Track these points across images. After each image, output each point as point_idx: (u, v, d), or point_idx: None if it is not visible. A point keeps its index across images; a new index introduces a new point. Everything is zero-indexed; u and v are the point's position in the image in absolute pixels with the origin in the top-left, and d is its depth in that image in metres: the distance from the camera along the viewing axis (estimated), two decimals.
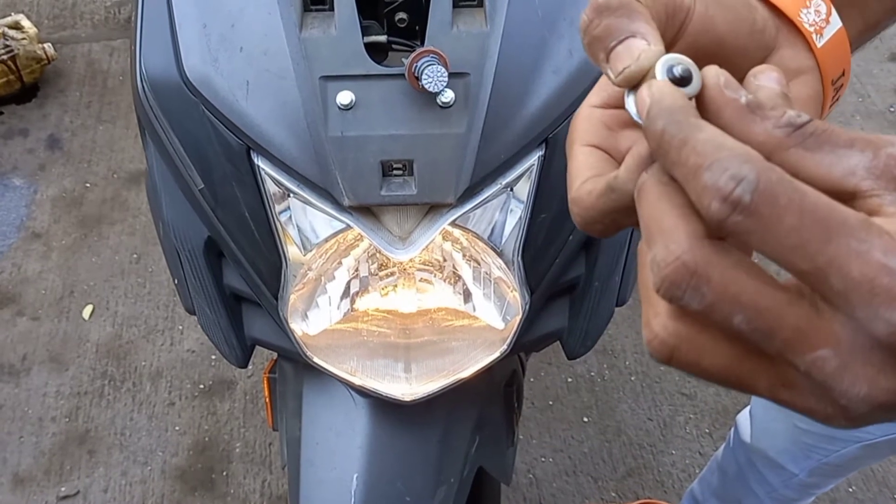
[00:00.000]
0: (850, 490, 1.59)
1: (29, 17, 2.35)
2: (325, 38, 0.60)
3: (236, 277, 0.71)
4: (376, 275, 0.68)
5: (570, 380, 1.76)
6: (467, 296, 0.69)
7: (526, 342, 0.74)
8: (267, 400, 0.93)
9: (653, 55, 0.28)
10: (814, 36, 0.36)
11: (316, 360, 0.71)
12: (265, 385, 0.93)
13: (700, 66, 0.28)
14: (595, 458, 1.65)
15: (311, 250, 0.65)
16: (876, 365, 0.24)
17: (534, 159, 0.63)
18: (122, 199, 2.10)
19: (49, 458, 1.64)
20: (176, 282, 0.76)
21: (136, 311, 1.87)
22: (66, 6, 2.65)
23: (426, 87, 0.56)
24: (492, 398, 0.86)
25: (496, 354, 0.71)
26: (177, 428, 1.69)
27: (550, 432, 1.68)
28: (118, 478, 1.62)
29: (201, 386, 1.75)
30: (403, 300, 0.70)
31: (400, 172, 0.61)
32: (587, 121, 0.35)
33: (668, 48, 0.30)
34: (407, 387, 0.72)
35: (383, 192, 0.60)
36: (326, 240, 0.64)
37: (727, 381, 0.27)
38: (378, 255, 0.67)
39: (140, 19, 0.66)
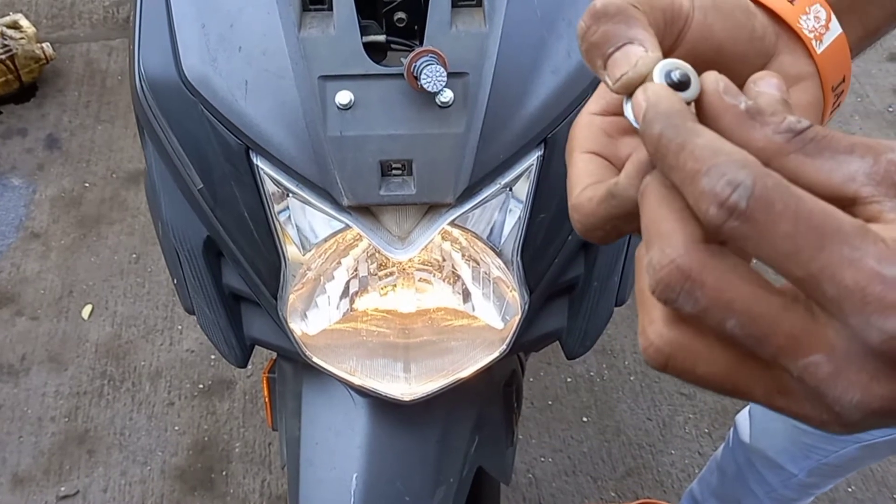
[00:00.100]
0: (850, 490, 1.59)
1: (27, 17, 2.35)
2: (324, 38, 0.60)
3: (235, 277, 0.71)
4: (375, 275, 0.68)
5: (569, 380, 1.76)
6: (466, 296, 0.69)
7: (525, 342, 0.74)
8: (266, 400, 0.93)
9: (650, 61, 0.28)
10: (813, 42, 0.36)
11: (315, 359, 0.71)
12: (264, 385, 0.93)
13: (699, 74, 0.28)
14: (594, 457, 1.65)
15: (310, 250, 0.65)
16: (869, 372, 0.24)
17: (533, 159, 0.63)
18: (121, 198, 2.10)
19: (48, 457, 1.64)
20: (175, 281, 0.76)
21: (136, 311, 1.87)
22: (64, 6, 2.65)
23: (425, 86, 0.56)
24: (491, 398, 0.86)
25: (495, 354, 0.71)
26: (176, 428, 1.68)
27: (550, 432, 1.68)
28: (118, 477, 1.62)
29: (201, 386, 1.75)
30: (403, 300, 0.69)
31: (399, 172, 0.61)
32: (587, 128, 0.35)
33: (667, 56, 0.30)
34: (406, 386, 0.72)
35: (382, 192, 0.60)
36: (325, 239, 0.64)
37: (723, 387, 0.27)
38: (377, 254, 0.67)
39: (139, 19, 0.66)
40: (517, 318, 0.69)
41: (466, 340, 0.72)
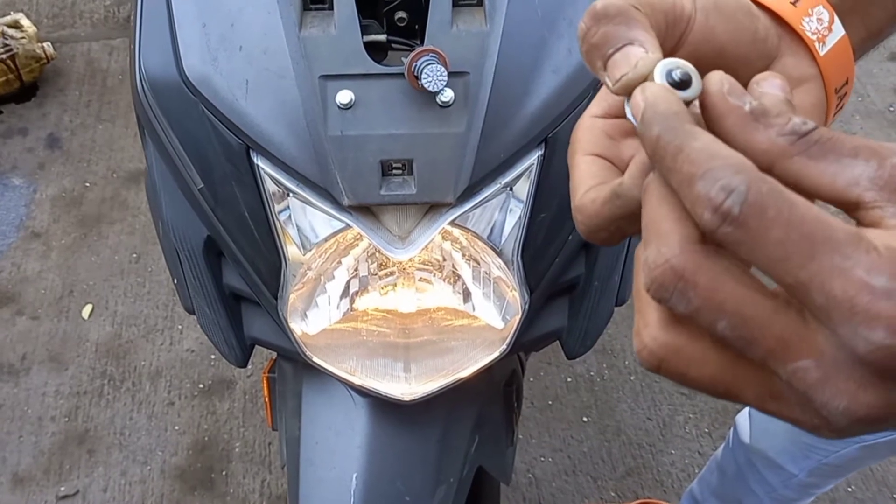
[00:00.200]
0: (850, 489, 1.59)
1: (28, 16, 2.35)
2: (325, 38, 0.60)
3: (236, 277, 0.71)
4: (376, 274, 0.68)
5: (569, 379, 1.76)
6: (467, 295, 0.69)
7: (525, 342, 0.74)
8: (266, 399, 0.93)
9: (650, 62, 0.28)
10: (816, 44, 0.36)
11: (315, 359, 0.71)
12: (264, 384, 0.93)
13: (701, 76, 0.28)
14: (594, 457, 1.65)
15: (310, 250, 0.65)
16: (856, 380, 0.24)
17: (533, 159, 0.63)
18: (122, 198, 2.10)
19: (48, 457, 1.64)
20: (175, 281, 0.76)
21: (136, 311, 1.87)
22: (65, 5, 2.65)
23: (426, 86, 0.56)
24: (491, 398, 0.86)
25: (496, 354, 0.71)
26: (176, 427, 1.69)
27: (550, 432, 1.68)
28: (117, 477, 1.62)
29: (201, 385, 1.75)
30: (403, 300, 0.69)
31: (399, 172, 0.61)
32: (589, 131, 0.35)
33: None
34: (406, 386, 0.72)
35: (383, 192, 0.60)
36: (326, 239, 0.64)
37: (715, 390, 0.27)
38: (377, 254, 0.67)
39: (139, 18, 0.66)
40: (517, 318, 0.69)
41: (467, 340, 0.72)
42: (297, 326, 0.69)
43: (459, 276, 0.69)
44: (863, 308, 0.22)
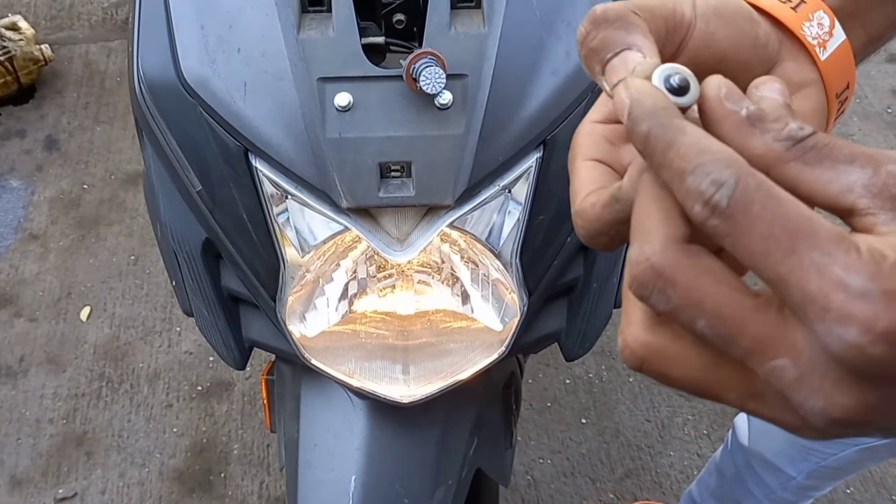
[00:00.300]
0: (848, 491, 1.59)
1: (26, 18, 2.34)
2: (323, 40, 0.60)
3: (234, 279, 0.71)
4: (374, 276, 0.68)
5: (568, 381, 1.76)
6: (465, 297, 0.69)
7: (524, 344, 0.74)
8: (265, 402, 0.93)
9: (648, 67, 0.28)
10: (817, 49, 0.36)
11: (314, 361, 0.71)
12: (263, 387, 0.93)
13: (701, 82, 0.28)
14: (593, 459, 1.65)
15: (309, 252, 0.65)
16: (832, 380, 0.24)
17: (532, 161, 0.63)
18: (120, 200, 2.09)
19: (46, 459, 1.64)
20: (174, 283, 0.75)
21: (134, 313, 1.87)
22: (63, 7, 2.65)
23: (424, 88, 0.56)
24: (490, 400, 0.86)
25: (494, 356, 0.71)
26: (174, 429, 1.68)
27: (548, 434, 1.68)
28: (116, 479, 1.61)
29: (199, 387, 1.75)
30: (401, 302, 0.69)
31: (398, 174, 0.61)
32: (589, 136, 0.35)
33: None
34: (405, 388, 0.72)
35: (381, 194, 0.60)
36: (324, 241, 0.64)
37: (697, 390, 0.27)
38: (376, 256, 0.67)
39: (137, 20, 0.66)
40: (516, 320, 0.69)
41: (465, 342, 0.72)
42: (296, 329, 0.69)
43: (458, 279, 0.69)
44: (837, 306, 0.22)
